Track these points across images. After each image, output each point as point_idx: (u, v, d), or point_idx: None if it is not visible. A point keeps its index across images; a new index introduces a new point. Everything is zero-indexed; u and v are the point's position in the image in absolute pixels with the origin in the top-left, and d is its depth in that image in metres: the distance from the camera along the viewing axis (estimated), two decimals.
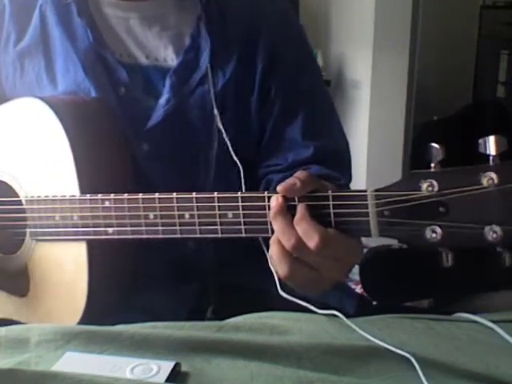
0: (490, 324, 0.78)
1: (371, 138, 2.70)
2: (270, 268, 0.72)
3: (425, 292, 1.15)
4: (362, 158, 2.71)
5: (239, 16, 0.95)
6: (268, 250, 0.72)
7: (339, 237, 0.66)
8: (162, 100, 0.90)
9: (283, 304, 0.80)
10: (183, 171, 0.91)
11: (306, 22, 2.42)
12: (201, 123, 0.91)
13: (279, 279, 0.72)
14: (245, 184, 0.86)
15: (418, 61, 2.72)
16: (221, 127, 0.89)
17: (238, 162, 0.88)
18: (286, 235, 0.66)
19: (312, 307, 0.77)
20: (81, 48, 0.91)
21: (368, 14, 2.59)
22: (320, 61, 2.74)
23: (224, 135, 0.89)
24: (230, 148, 0.88)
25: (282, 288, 0.74)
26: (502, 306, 0.99)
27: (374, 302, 1.02)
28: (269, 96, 0.94)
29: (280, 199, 0.67)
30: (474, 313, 0.82)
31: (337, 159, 0.96)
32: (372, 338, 0.70)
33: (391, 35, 2.59)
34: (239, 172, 0.88)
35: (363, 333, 0.72)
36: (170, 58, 0.93)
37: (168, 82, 0.91)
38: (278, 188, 0.67)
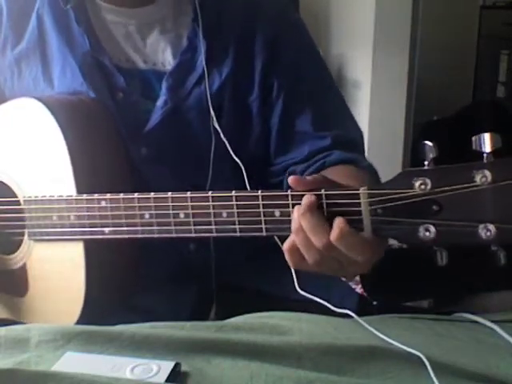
0: (489, 324, 0.78)
1: (371, 138, 2.70)
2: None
3: (425, 292, 1.15)
4: None
5: (236, 16, 0.95)
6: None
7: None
8: (160, 102, 0.90)
9: (284, 304, 0.80)
10: (182, 173, 0.91)
11: (305, 22, 2.42)
12: (198, 124, 0.91)
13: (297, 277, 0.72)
14: (249, 183, 0.85)
15: (418, 61, 2.72)
16: (217, 127, 0.89)
17: (239, 162, 0.87)
18: (317, 235, 0.64)
19: (329, 305, 0.77)
20: (78, 53, 0.90)
21: (368, 14, 2.58)
22: None
23: (221, 136, 0.89)
24: (229, 148, 0.88)
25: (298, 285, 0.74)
26: (501, 306, 0.99)
27: (374, 302, 1.02)
28: (271, 93, 0.93)
29: (312, 197, 0.64)
30: (473, 313, 0.82)
31: (354, 147, 0.94)
32: (386, 338, 0.70)
33: (391, 35, 2.59)
34: (241, 172, 0.86)
35: (377, 333, 0.72)
36: (167, 61, 0.93)
37: (165, 85, 0.90)
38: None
